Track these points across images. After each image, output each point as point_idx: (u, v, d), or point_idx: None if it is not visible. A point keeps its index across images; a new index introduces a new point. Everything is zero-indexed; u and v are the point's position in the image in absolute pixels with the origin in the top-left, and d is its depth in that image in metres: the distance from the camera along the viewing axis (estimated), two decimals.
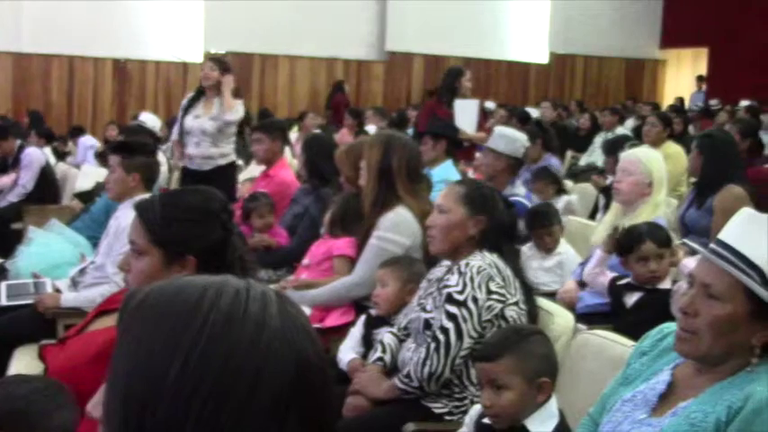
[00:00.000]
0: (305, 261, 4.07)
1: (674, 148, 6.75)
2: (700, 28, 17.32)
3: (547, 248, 4.51)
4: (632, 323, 3.09)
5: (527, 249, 4.58)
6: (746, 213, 1.94)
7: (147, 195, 3.41)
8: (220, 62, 6.04)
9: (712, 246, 1.91)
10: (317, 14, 15.06)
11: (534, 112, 12.28)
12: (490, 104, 10.82)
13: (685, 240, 3.24)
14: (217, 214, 2.29)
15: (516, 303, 2.80)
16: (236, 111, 5.87)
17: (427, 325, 2.86)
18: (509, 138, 5.02)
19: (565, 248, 4.53)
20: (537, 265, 4.52)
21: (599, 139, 9.71)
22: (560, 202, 5.55)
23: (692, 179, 5.36)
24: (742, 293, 1.83)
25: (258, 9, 14.58)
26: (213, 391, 0.84)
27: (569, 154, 9.99)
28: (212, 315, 0.87)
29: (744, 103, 12.71)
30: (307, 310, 3.68)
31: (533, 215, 4.59)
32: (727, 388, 1.84)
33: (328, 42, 15.61)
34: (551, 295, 3.95)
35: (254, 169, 6.51)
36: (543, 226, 4.51)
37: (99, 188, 6.02)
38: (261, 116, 11.22)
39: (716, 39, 17.40)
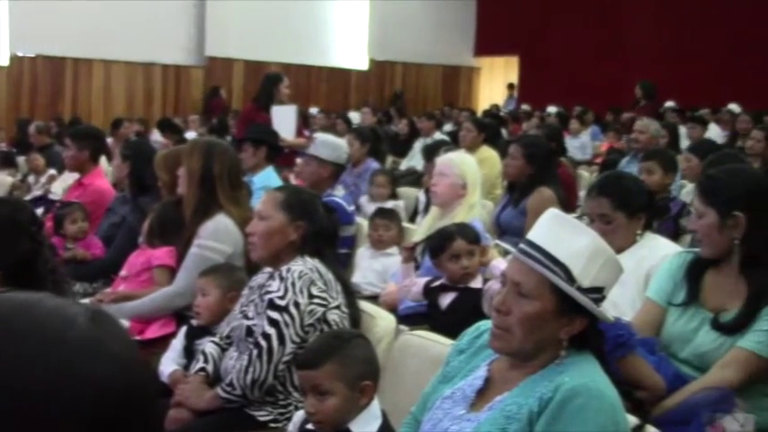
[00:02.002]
0: (123, 272, 3.93)
1: (488, 152, 6.99)
2: (510, 37, 18.10)
3: (380, 243, 4.59)
4: (448, 323, 3.17)
5: (364, 249, 4.65)
6: (552, 214, 2.03)
7: None
8: None
9: (521, 245, 1.99)
10: (132, 18, 14.62)
11: (355, 118, 12.45)
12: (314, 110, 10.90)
13: (497, 241, 3.36)
14: (25, 226, 2.18)
15: (338, 307, 2.82)
16: None
17: (249, 332, 2.83)
18: (332, 145, 5.06)
19: (394, 250, 4.63)
20: (366, 265, 4.59)
21: (418, 145, 9.95)
22: (388, 205, 5.66)
23: (506, 182, 5.57)
24: (549, 290, 1.91)
25: (68, 11, 13.99)
26: None
27: (390, 159, 10.17)
28: None
29: (552, 109, 13.39)
30: (126, 324, 3.57)
31: (378, 210, 4.79)
32: (538, 380, 1.92)
33: (145, 47, 15.18)
34: (374, 298, 4.01)
35: (70, 177, 6.22)
36: (383, 218, 4.66)
37: None
38: (71, 123, 10.77)
39: (525, 47, 18.24)
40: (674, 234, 4.38)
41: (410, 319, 3.62)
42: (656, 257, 3.08)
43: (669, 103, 12.36)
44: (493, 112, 14.99)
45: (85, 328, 0.85)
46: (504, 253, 3.36)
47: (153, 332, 3.61)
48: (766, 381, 2.58)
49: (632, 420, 1.98)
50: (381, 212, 4.81)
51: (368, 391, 2.25)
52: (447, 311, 3.52)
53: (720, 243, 2.65)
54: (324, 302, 2.78)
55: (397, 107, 15.83)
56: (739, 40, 14.26)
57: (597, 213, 3.16)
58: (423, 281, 3.72)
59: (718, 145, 7.09)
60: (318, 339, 2.50)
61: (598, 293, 1.94)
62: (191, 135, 9.49)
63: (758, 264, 2.61)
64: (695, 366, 2.66)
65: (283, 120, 7.20)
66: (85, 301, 3.61)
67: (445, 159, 4.39)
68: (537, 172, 4.96)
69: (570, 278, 1.90)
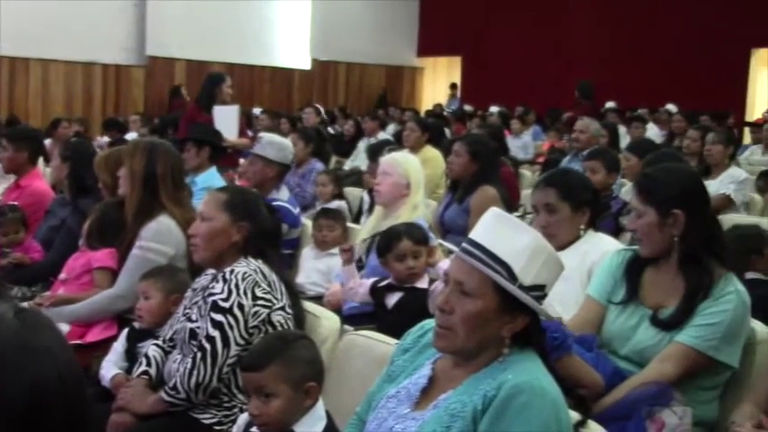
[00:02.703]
0: (62, 275, 3.86)
1: (432, 152, 7.03)
2: (453, 37, 18.20)
3: (324, 244, 4.58)
4: (394, 323, 3.18)
5: (308, 250, 4.63)
6: (494, 213, 2.05)
7: None
8: None
9: (464, 245, 2.00)
10: (71, 16, 14.35)
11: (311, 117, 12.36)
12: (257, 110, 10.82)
13: (440, 241, 3.39)
14: None
15: (283, 308, 2.81)
16: None
17: (193, 335, 2.80)
18: (278, 145, 5.04)
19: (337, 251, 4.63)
20: (311, 266, 4.57)
21: (362, 145, 9.97)
22: (332, 205, 5.66)
23: (449, 180, 5.60)
24: (492, 288, 1.93)
25: (4, 9, 13.69)
26: None
27: (334, 159, 10.16)
28: None
29: (494, 108, 13.51)
30: (65, 327, 3.51)
31: (322, 210, 4.82)
32: (482, 378, 1.93)
33: (84, 46, 14.91)
34: (318, 298, 4.01)
35: (6, 180, 6.09)
36: (327, 218, 4.65)
37: None
38: (8, 123, 10.53)
39: (468, 48, 18.36)
40: (615, 232, 4.45)
41: (355, 319, 3.63)
42: (598, 253, 3.13)
43: (610, 104, 12.55)
44: (436, 112, 15.07)
45: (13, 325, 0.85)
46: (448, 252, 3.38)
47: (94, 335, 3.55)
48: (703, 374, 2.63)
49: (574, 416, 2.01)
50: (325, 213, 4.81)
51: (312, 392, 2.25)
52: (393, 311, 3.54)
53: (660, 241, 2.71)
54: (268, 304, 2.77)
55: (382, 106, 15.97)
56: (676, 42, 14.54)
57: (543, 203, 3.23)
58: (369, 282, 3.74)
59: (657, 144, 7.23)
60: (262, 341, 2.48)
61: (540, 291, 1.96)
62: (132, 136, 9.35)
63: (695, 260, 2.66)
64: (635, 363, 2.70)
65: (225, 120, 7.15)
66: (24, 305, 3.54)
67: (389, 159, 4.41)
68: (481, 170, 5.00)
69: (512, 276, 1.92)
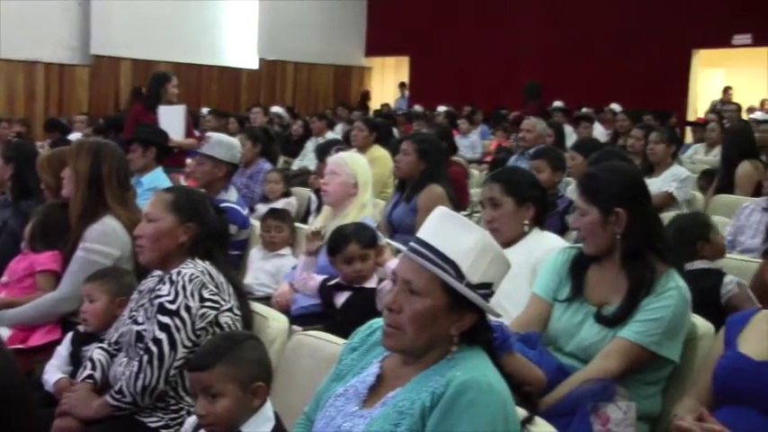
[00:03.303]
0: (3, 279, 3.79)
1: (380, 151, 7.04)
2: (401, 37, 18.25)
3: (273, 245, 4.57)
4: (343, 322, 3.19)
5: (256, 251, 4.61)
6: (441, 212, 2.06)
7: None
8: None
9: (411, 244, 2.01)
10: (12, 15, 14.08)
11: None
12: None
13: (388, 240, 3.40)
14: None
15: (230, 309, 2.79)
16: None
17: (139, 337, 2.77)
18: (227, 144, 5.01)
19: (287, 251, 4.61)
20: (258, 267, 4.55)
21: (310, 144, 9.95)
22: (279, 204, 5.64)
23: (397, 179, 5.62)
24: (439, 287, 1.94)
25: None
26: None
27: (282, 159, 10.13)
28: None
29: (441, 108, 13.57)
30: (7, 332, 3.45)
31: (270, 211, 4.81)
32: (430, 376, 1.95)
33: (27, 45, 14.63)
34: (266, 299, 3.99)
35: None
36: (275, 219, 4.64)
37: None
38: None
39: (416, 48, 18.42)
40: (561, 230, 4.51)
41: (303, 319, 3.62)
42: (542, 251, 3.18)
43: (557, 103, 12.69)
44: (384, 112, 15.09)
45: None
46: (396, 251, 3.39)
47: (37, 339, 3.49)
48: (646, 369, 2.68)
49: (522, 413, 2.03)
50: (273, 213, 4.78)
51: (260, 392, 2.24)
52: (342, 310, 3.55)
53: (603, 239, 2.75)
54: (216, 305, 2.75)
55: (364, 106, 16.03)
56: (620, 43, 14.76)
57: (488, 197, 3.28)
58: (320, 278, 3.74)
59: (602, 143, 7.33)
60: (210, 341, 2.47)
61: (487, 289, 1.98)
62: (76, 136, 9.20)
63: (638, 257, 2.71)
64: (581, 359, 2.74)
65: (171, 120, 7.08)
66: None
67: (336, 159, 4.41)
68: (428, 169, 5.02)
69: (460, 275, 1.94)
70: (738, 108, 14.40)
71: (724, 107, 14.16)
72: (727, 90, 15.70)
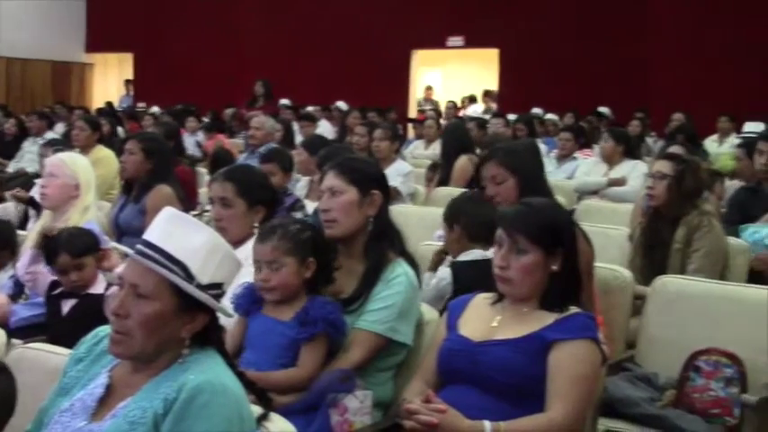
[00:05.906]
0: None
1: (104, 151, 6.78)
2: (123, 33, 17.67)
3: None
4: (70, 331, 3.03)
5: None
6: (168, 212, 2.02)
7: None
8: None
9: (138, 246, 1.95)
10: None
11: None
12: None
13: (114, 244, 3.30)
14: None
15: None
16: None
17: None
18: None
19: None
20: None
21: (28, 144, 9.38)
22: None
23: (123, 181, 5.42)
24: (168, 289, 1.90)
25: None
26: None
27: None
28: None
29: (155, 108, 13.25)
30: None
31: None
32: (162, 382, 1.90)
33: None
34: None
35: None
36: None
37: None
38: None
39: (141, 45, 17.90)
40: None
41: (24, 331, 3.42)
42: None
43: (284, 101, 12.82)
44: (107, 110, 14.50)
45: None
46: (125, 255, 3.28)
47: None
48: (380, 356, 2.78)
49: (257, 411, 2.03)
50: None
51: None
52: (68, 318, 3.41)
53: (357, 220, 2.82)
54: None
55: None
56: (344, 42, 15.21)
57: (219, 196, 3.24)
58: (48, 280, 3.59)
59: (329, 140, 7.50)
60: None
61: (218, 289, 1.97)
62: None
63: (380, 239, 2.82)
64: None
65: None
66: None
67: (55, 160, 4.22)
68: (155, 169, 4.89)
69: (189, 276, 1.91)
70: (437, 106, 15.72)
71: (425, 105, 15.52)
72: (428, 89, 17.29)
